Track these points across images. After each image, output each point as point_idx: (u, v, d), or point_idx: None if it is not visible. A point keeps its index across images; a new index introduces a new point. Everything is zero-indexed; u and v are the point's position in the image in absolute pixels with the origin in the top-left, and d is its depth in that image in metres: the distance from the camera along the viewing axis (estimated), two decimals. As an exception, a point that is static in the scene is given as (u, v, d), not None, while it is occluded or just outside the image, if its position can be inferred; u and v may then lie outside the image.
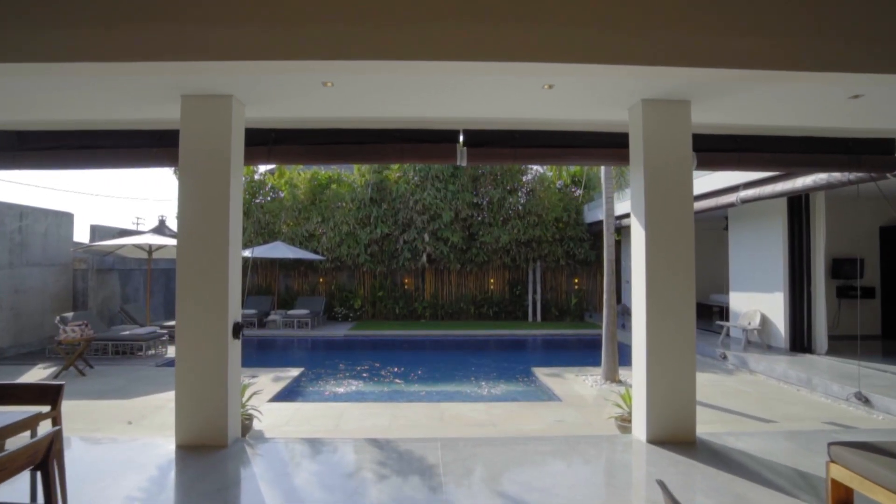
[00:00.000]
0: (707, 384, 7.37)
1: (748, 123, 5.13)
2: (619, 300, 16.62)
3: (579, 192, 16.79)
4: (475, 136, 5.21)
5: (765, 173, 7.59)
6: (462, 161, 5.20)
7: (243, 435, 4.57)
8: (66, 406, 6.49)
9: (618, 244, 16.87)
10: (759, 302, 9.52)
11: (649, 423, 4.26)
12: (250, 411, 4.83)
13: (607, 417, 5.25)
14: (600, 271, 16.83)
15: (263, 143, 5.14)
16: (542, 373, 8.29)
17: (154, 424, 5.44)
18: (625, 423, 4.75)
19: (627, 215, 13.63)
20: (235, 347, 4.26)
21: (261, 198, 16.51)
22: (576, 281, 16.89)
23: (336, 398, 7.30)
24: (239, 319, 4.28)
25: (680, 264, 4.32)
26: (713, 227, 15.54)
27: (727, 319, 12.76)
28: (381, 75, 3.93)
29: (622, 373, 7.89)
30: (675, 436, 4.24)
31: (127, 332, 9.78)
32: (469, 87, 4.16)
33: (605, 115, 4.86)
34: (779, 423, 5.33)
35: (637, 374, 4.48)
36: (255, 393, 5.48)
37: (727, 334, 10.03)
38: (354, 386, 8.00)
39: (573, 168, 16.05)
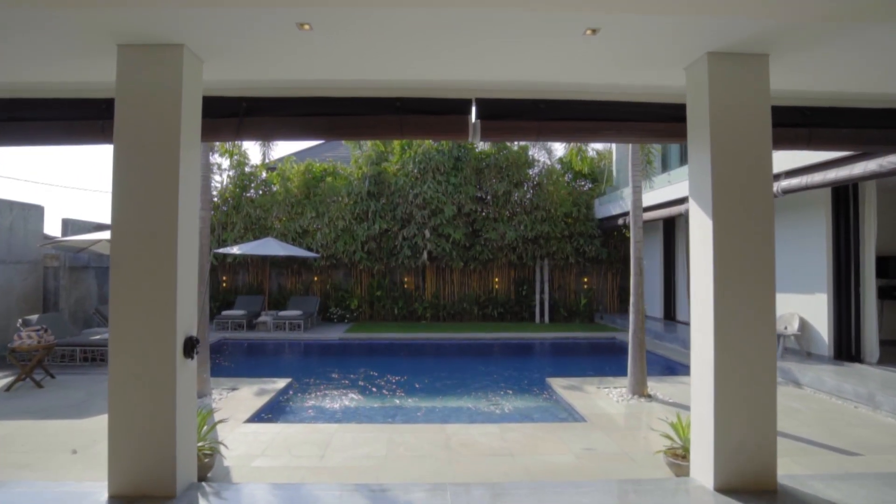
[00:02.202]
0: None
1: (825, 90, 4.19)
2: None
3: (592, 184, 15.88)
4: (491, 106, 4.26)
5: (828, 155, 6.65)
6: (475, 137, 4.26)
7: (201, 477, 3.64)
8: (6, 429, 5.60)
9: (629, 240, 15.91)
10: (796, 304, 8.60)
11: (717, 465, 3.33)
12: (212, 445, 3.90)
13: (655, 452, 4.32)
14: (611, 270, 15.93)
15: (232, 114, 4.20)
16: (558, 384, 7.37)
17: (103, 454, 4.49)
18: (678, 460, 3.82)
19: (647, 209, 12.70)
20: (188, 368, 3.32)
21: (252, 191, 15.57)
22: (585, 280, 15.96)
23: (325, 416, 6.37)
24: (193, 333, 3.35)
25: (757, 264, 3.39)
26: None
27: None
28: (374, 22, 3.01)
29: (651, 385, 6.98)
30: (751, 482, 3.32)
31: (97, 337, 8.85)
32: (485, 39, 3.23)
33: (652, 78, 3.93)
34: (864, 456, 4.40)
35: (699, 400, 3.55)
36: (220, 421, 4.57)
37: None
38: (347, 400, 7.08)
39: (590, 146, 15.11)
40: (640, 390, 6.69)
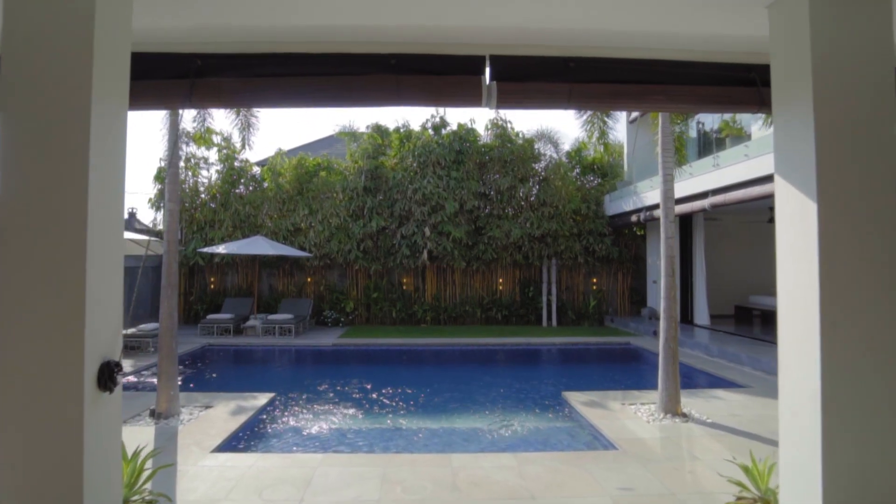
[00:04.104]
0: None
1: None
2: (644, 303, 14.87)
3: (602, 179, 15.03)
4: (510, 65, 3.39)
5: None
6: (490, 102, 3.39)
7: (133, 544, 2.77)
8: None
9: (641, 239, 15.11)
10: None
11: (825, 535, 2.45)
12: (151, 499, 3.03)
13: None
14: (622, 270, 15.08)
15: (183, 74, 3.32)
16: (577, 399, 6.50)
17: None
18: (756, 515, 2.96)
19: (657, 206, 11.86)
20: (106, 404, 2.43)
21: (242, 187, 14.69)
22: (593, 281, 15.09)
23: (309, 442, 5.48)
24: (114, 357, 2.46)
25: (884, 257, 2.52)
26: (752, 219, 13.77)
27: (774, 324, 10.98)
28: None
29: (683, 401, 6.11)
30: (872, 557, 2.44)
31: None
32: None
33: (716, 25, 3.05)
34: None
35: (795, 440, 2.67)
36: (165, 466, 3.70)
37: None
38: (336, 420, 6.19)
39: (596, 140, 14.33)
40: (673, 408, 5.82)
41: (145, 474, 3.11)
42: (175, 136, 6.03)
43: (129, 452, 3.14)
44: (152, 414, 5.71)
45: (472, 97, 3.41)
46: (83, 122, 2.39)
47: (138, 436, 5.07)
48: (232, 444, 5.10)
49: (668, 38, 3.28)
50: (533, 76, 3.41)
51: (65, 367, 2.34)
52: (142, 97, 3.31)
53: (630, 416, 5.86)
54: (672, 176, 6.02)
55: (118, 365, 2.49)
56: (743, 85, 3.39)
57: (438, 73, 3.40)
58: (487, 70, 3.41)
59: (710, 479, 4.04)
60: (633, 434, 5.20)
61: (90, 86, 2.41)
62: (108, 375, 2.45)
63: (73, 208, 2.38)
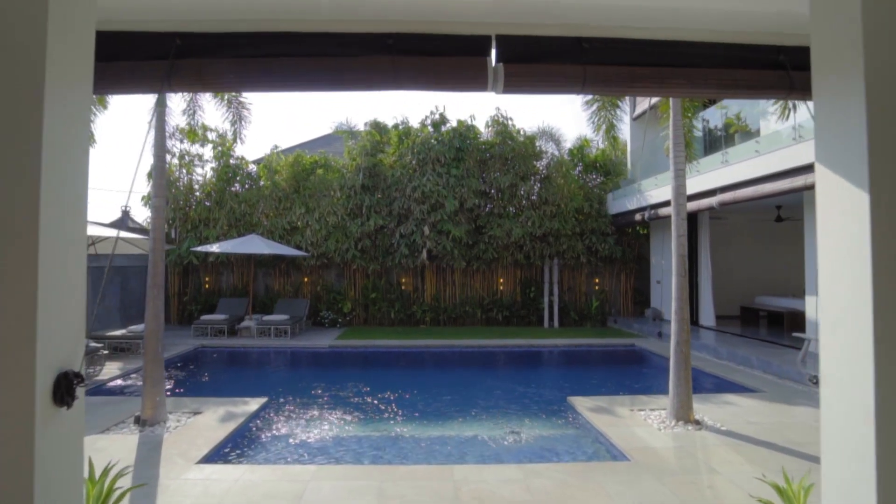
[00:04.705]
0: (808, 425, 5.33)
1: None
2: (648, 304, 14.59)
3: (605, 177, 14.75)
4: (518, 45, 3.10)
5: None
6: (497, 86, 3.10)
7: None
8: None
9: (645, 238, 14.83)
10: (855, 310, 7.44)
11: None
12: (121, 523, 2.73)
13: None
14: (625, 270, 14.81)
15: (161, 55, 3.03)
16: (583, 405, 6.22)
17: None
18: (792, 541, 2.67)
19: (662, 204, 11.59)
20: (62, 421, 2.14)
21: (237, 185, 14.38)
22: (596, 281, 14.81)
23: (302, 452, 5.19)
24: (74, 367, 2.17)
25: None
26: (759, 218, 13.50)
27: (782, 326, 10.76)
28: None
29: (697, 407, 5.82)
30: None
31: None
32: None
33: (743, 0, 2.79)
34: None
35: (841, 458, 2.38)
36: (136, 487, 3.41)
37: (808, 350, 7.94)
38: (331, 428, 5.89)
39: (600, 137, 14.08)
40: (685, 415, 5.54)
41: (117, 494, 2.82)
42: (162, 128, 5.73)
43: (100, 470, 2.84)
44: (137, 421, 5.42)
45: (476, 80, 3.12)
46: (34, 106, 2.08)
47: (120, 446, 4.79)
48: (220, 454, 4.80)
49: (690, 15, 3.00)
50: (544, 57, 3.13)
51: (11, 381, 2.03)
52: (114, 80, 3.03)
53: (640, 422, 5.57)
54: (684, 171, 5.74)
55: (78, 376, 2.17)
56: (771, 68, 3.13)
57: (440, 55, 3.11)
58: (493, 51, 3.13)
59: (733, 495, 3.77)
60: (644, 443, 4.92)
61: (44, 66, 2.10)
62: (65, 388, 2.14)
63: (22, 203, 2.06)
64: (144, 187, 13.93)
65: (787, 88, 3.21)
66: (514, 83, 3.14)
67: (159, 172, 5.70)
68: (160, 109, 5.77)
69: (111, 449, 4.69)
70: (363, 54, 3.09)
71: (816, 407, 6.12)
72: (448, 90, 3.19)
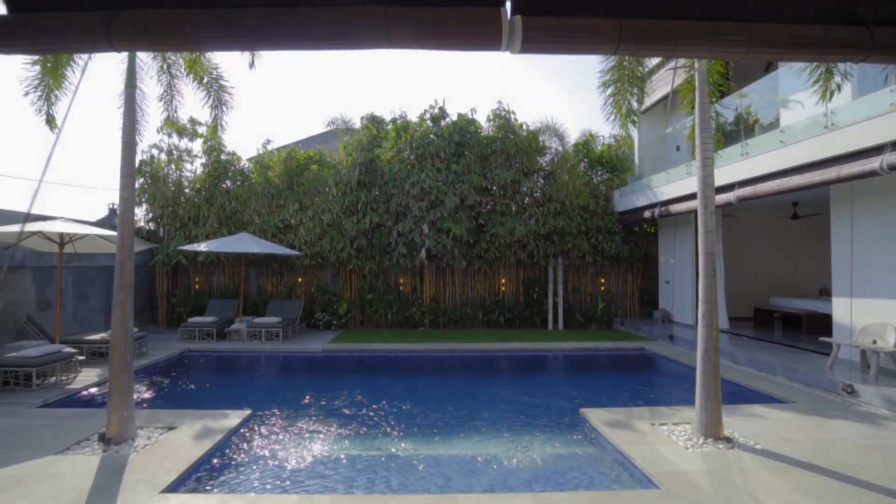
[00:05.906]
0: (853, 443, 4.75)
1: None
2: (656, 305, 14.02)
3: (611, 173, 14.14)
4: (538, -7, 2.53)
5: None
6: (513, 45, 2.52)
7: None
8: None
9: (653, 236, 14.26)
10: (892, 312, 6.90)
11: None
12: None
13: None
14: (632, 270, 14.25)
15: (98, 3, 2.46)
16: (598, 418, 5.64)
17: None
18: None
19: (674, 200, 11.02)
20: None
21: (228, 182, 13.79)
22: (601, 281, 14.24)
23: (284, 476, 4.59)
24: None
25: None
26: (773, 216, 12.95)
27: (799, 328, 10.18)
28: None
29: (726, 421, 5.24)
30: None
31: (13, 354, 7.06)
32: None
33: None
34: None
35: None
36: None
37: (837, 356, 7.37)
38: (319, 447, 5.29)
39: (605, 133, 13.57)
40: (714, 431, 4.97)
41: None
42: (132, 110, 5.14)
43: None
44: (101, 439, 4.82)
45: (487, 37, 2.54)
46: None
47: (78, 469, 4.20)
48: (191, 478, 4.22)
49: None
50: (570, 8, 2.55)
51: None
52: (38, 36, 2.45)
53: (664, 440, 5.00)
54: (712, 160, 5.16)
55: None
56: (847, 23, 2.56)
57: (443, 4, 2.53)
58: (508, 2, 2.55)
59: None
60: (672, 466, 4.34)
61: None
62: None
63: None
64: (137, 183, 13.33)
65: (868, 48, 2.63)
66: (534, 40, 2.56)
67: (128, 162, 5.12)
68: (129, 91, 5.18)
69: (66, 474, 4.10)
70: (348, 3, 2.50)
71: (857, 421, 5.56)
72: (452, 48, 2.60)
